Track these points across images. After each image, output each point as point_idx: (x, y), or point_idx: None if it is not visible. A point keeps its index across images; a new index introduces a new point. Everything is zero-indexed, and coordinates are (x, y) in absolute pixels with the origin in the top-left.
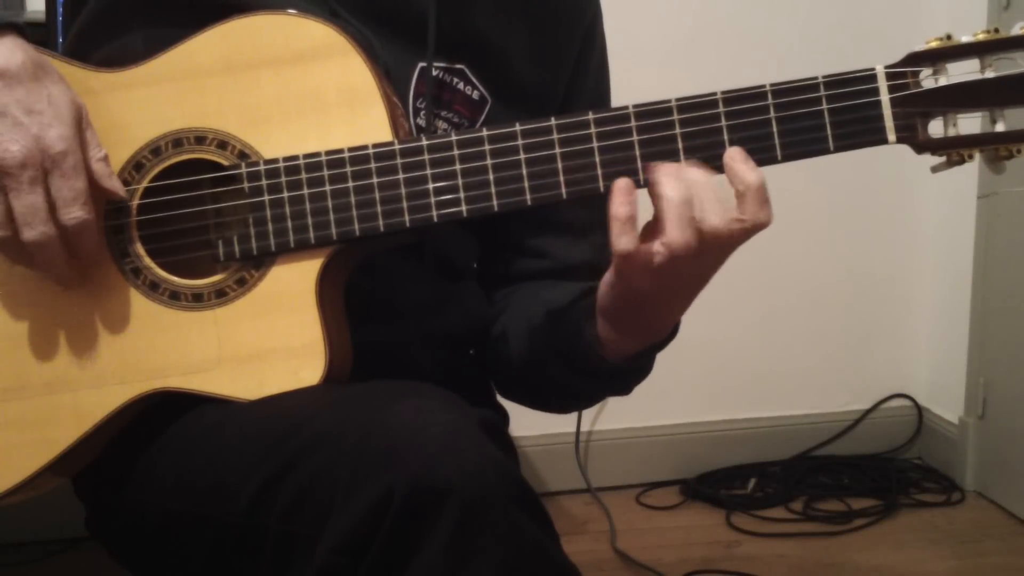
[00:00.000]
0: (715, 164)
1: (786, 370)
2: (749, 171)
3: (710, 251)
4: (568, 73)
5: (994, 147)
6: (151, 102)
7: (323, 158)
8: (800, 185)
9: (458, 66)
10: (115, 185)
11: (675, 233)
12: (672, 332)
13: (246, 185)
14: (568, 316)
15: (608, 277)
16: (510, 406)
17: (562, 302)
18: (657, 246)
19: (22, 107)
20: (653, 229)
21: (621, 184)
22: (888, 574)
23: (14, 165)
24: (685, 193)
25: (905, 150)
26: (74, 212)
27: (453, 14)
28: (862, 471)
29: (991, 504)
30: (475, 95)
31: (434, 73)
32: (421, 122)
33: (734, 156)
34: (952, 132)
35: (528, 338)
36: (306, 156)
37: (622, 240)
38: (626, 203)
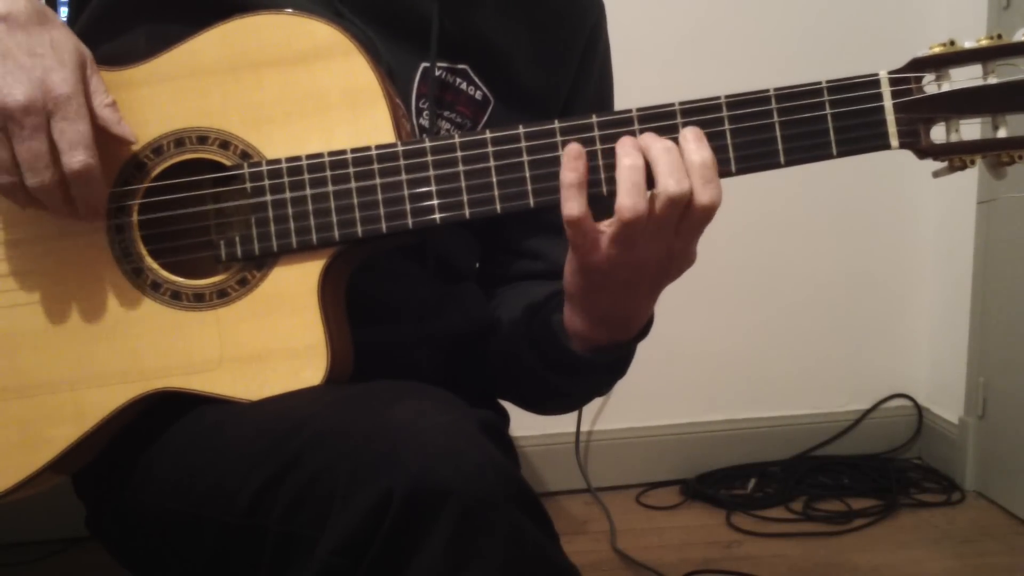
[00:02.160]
0: (719, 168)
1: (786, 370)
2: (695, 151)
3: (664, 225)
4: (571, 75)
5: (996, 153)
6: (153, 101)
7: (326, 159)
8: (801, 186)
9: (461, 66)
10: (125, 131)
11: (624, 198)
12: (643, 330)
13: (248, 185)
14: (543, 308)
15: (568, 254)
16: (510, 406)
17: (541, 296)
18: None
19: (24, 50)
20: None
21: (571, 150)
22: (888, 574)
23: (17, 109)
24: (636, 160)
25: (907, 154)
26: (78, 156)
27: (456, 14)
28: (862, 471)
29: (991, 504)
30: (478, 95)
31: (437, 73)
32: (424, 122)
33: (686, 135)
34: (954, 138)
35: (507, 330)
36: (308, 156)
37: (569, 205)
38: (574, 168)
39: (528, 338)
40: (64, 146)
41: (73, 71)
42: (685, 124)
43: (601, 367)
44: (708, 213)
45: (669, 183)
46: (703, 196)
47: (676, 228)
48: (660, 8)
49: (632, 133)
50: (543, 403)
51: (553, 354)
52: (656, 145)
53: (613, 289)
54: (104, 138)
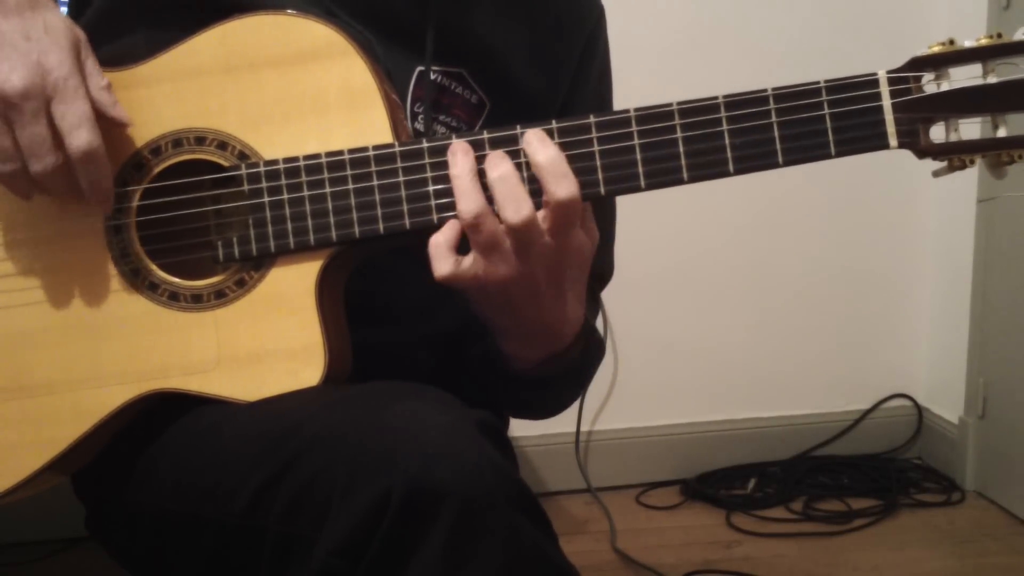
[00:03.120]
0: (718, 168)
1: (786, 370)
2: (538, 151)
3: (529, 241)
4: (569, 78)
5: (995, 153)
6: (151, 102)
7: (323, 159)
8: (801, 186)
9: (457, 70)
10: (120, 113)
11: (460, 205)
12: (582, 335)
13: (246, 186)
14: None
15: None
16: None
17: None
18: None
19: (19, 35)
20: None
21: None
22: (888, 574)
23: (16, 94)
24: (472, 165)
25: (906, 153)
26: (81, 135)
27: (451, 18)
28: (862, 471)
29: (991, 504)
30: (474, 99)
31: (432, 77)
32: (420, 126)
33: (527, 139)
34: (954, 137)
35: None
36: (306, 157)
37: (438, 265)
38: (442, 231)
39: (482, 359)
40: (66, 128)
41: (68, 52)
42: (684, 124)
43: (551, 380)
44: (571, 207)
45: (508, 213)
46: (559, 192)
47: (547, 233)
48: (659, 8)
49: (630, 134)
50: (517, 412)
51: (502, 370)
52: (492, 174)
53: (514, 308)
54: (102, 131)
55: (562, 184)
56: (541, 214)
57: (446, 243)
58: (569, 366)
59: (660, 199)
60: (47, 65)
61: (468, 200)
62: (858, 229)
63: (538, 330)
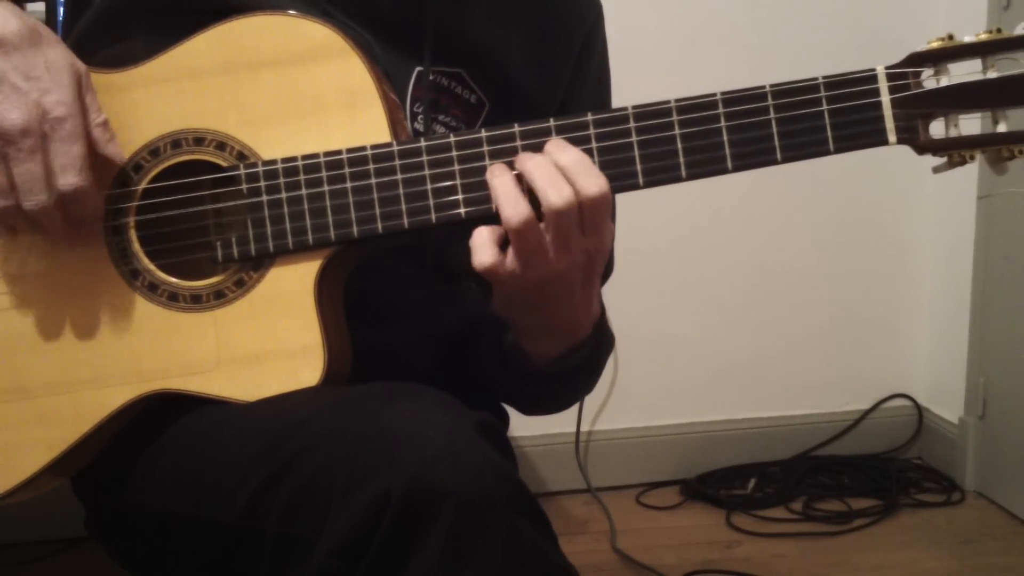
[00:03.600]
0: (716, 166)
1: (786, 370)
2: (562, 154)
3: (567, 234)
4: (567, 78)
5: (996, 148)
6: (149, 103)
7: (321, 159)
8: (800, 185)
9: (455, 70)
10: (114, 151)
11: (504, 210)
12: (598, 327)
13: (244, 186)
14: (496, 328)
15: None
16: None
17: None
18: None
19: (20, 73)
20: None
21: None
22: (888, 574)
23: (15, 132)
24: (504, 177)
25: (906, 150)
26: (69, 179)
27: (449, 18)
28: (862, 471)
29: (991, 504)
30: (473, 99)
31: (431, 78)
32: (419, 127)
33: (548, 147)
34: (953, 133)
35: (482, 345)
36: (304, 157)
37: (481, 253)
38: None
39: (492, 356)
40: (56, 168)
41: (70, 90)
42: (682, 122)
43: (567, 374)
44: (602, 202)
45: (550, 195)
46: (588, 188)
47: (581, 229)
48: (656, 5)
49: (628, 131)
50: (528, 409)
51: (516, 368)
52: (528, 164)
53: (548, 306)
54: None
55: (591, 180)
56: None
57: (491, 235)
58: (584, 358)
59: (660, 199)
60: (47, 105)
61: (512, 207)
62: (858, 229)
63: (565, 326)
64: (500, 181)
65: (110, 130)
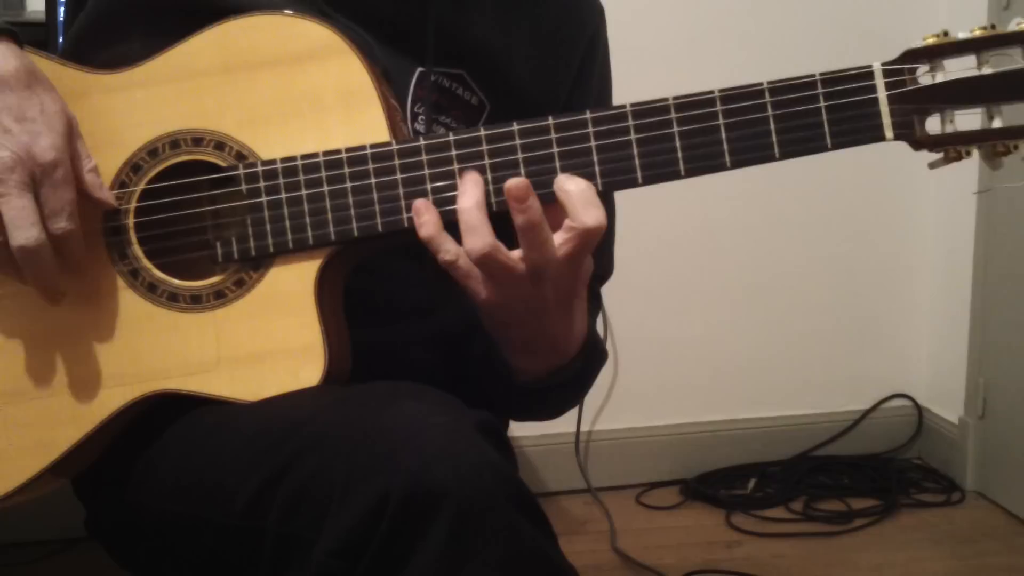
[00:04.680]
0: (715, 163)
1: (786, 370)
2: (568, 182)
3: (573, 262)
4: (569, 82)
5: (992, 143)
6: (148, 103)
7: (321, 159)
8: (799, 183)
9: (457, 71)
10: (106, 196)
11: (466, 242)
12: (585, 348)
13: (244, 186)
14: (484, 342)
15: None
16: None
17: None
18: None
19: (13, 115)
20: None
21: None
22: (888, 574)
23: (3, 170)
24: (470, 200)
25: (904, 147)
26: (60, 223)
27: (451, 19)
28: (862, 471)
29: (991, 504)
30: (474, 100)
31: (433, 78)
32: (420, 127)
33: (558, 180)
34: (949, 128)
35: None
36: (303, 157)
37: (473, 239)
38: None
39: (483, 364)
40: (48, 212)
41: (61, 136)
42: (680, 119)
43: (554, 389)
44: (596, 234)
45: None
46: (587, 219)
47: (565, 256)
48: (655, 4)
49: (627, 129)
50: (519, 416)
51: (506, 381)
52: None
53: (521, 324)
54: (96, 148)
55: (591, 212)
56: (561, 238)
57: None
58: (572, 376)
59: (660, 198)
60: (37, 149)
61: (476, 237)
62: (858, 229)
63: (544, 345)
64: (467, 204)
65: (100, 176)
